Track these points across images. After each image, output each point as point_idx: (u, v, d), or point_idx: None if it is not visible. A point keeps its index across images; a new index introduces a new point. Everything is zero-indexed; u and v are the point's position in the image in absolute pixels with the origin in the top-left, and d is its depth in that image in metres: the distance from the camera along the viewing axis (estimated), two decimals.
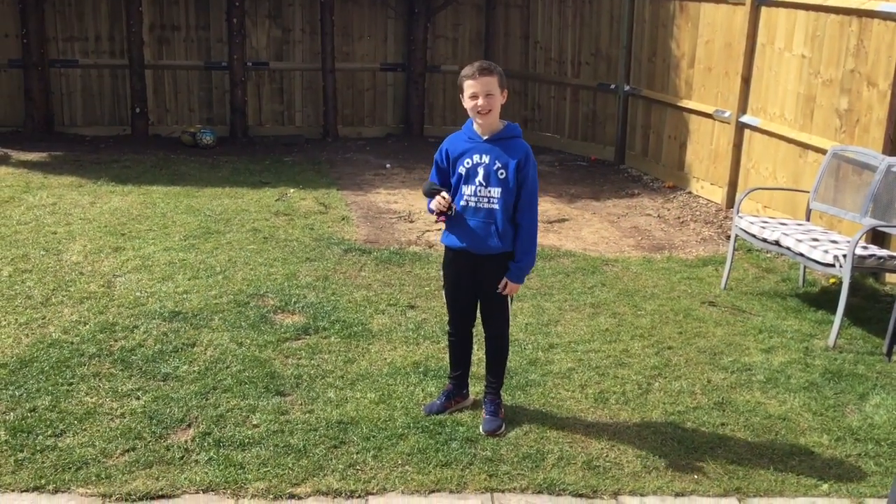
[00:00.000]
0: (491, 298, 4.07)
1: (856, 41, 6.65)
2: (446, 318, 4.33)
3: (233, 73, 10.93)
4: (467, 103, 3.92)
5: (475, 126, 3.98)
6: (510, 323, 4.22)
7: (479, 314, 4.21)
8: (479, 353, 4.45)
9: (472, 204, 3.94)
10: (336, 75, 11.23)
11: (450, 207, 3.95)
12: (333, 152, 10.56)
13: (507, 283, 4.01)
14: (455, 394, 4.27)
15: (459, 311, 4.20)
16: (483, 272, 4.03)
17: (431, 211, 4.05)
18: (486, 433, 4.05)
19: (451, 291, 4.19)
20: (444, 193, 3.95)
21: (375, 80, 11.60)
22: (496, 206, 3.92)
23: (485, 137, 3.95)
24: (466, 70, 3.94)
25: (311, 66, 11.28)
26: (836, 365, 5.01)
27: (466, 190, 3.94)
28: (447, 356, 4.46)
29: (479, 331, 4.27)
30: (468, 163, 3.94)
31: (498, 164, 3.90)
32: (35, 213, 7.31)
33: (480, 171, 3.92)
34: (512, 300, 4.14)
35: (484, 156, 3.92)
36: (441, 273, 4.34)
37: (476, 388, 4.43)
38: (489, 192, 3.91)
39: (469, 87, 3.89)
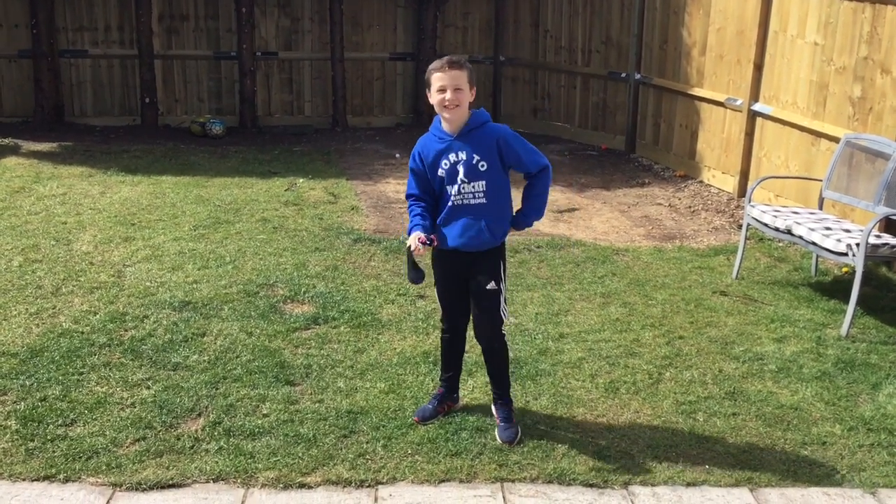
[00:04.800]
0: (482, 296, 3.93)
1: (869, 28, 6.58)
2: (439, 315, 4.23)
3: (242, 63, 10.91)
4: (434, 98, 3.77)
5: (443, 124, 3.85)
6: (504, 322, 4.01)
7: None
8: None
9: (457, 202, 3.84)
10: (345, 65, 11.20)
11: (430, 241, 3.87)
12: (342, 142, 10.55)
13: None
14: (446, 398, 4.16)
15: (452, 306, 4.08)
16: (472, 268, 3.93)
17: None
18: (503, 442, 3.93)
19: (442, 289, 4.08)
20: (420, 238, 3.82)
21: (385, 70, 11.57)
22: (484, 201, 3.82)
23: (455, 134, 3.82)
24: (434, 64, 3.80)
25: (320, 55, 11.25)
26: (848, 354, 4.98)
27: (452, 190, 3.84)
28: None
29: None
30: (446, 163, 3.82)
31: (476, 157, 3.79)
32: (45, 203, 7.32)
33: (461, 168, 3.80)
34: (503, 295, 3.96)
35: (460, 153, 3.80)
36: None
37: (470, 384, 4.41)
38: (473, 186, 3.81)
39: (437, 80, 3.75)
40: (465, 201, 3.84)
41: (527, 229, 4.10)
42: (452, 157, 3.82)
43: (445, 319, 4.14)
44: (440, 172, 3.84)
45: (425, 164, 3.89)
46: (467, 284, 4.01)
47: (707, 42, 8.72)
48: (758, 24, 7.84)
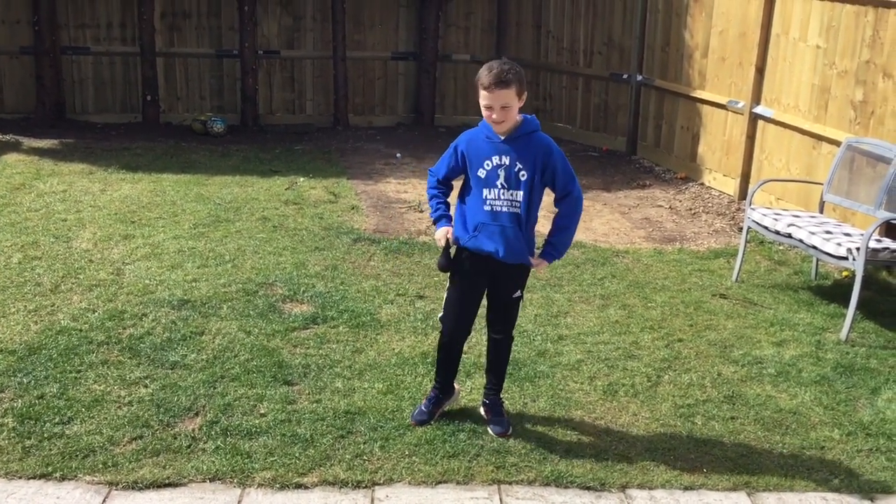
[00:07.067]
0: (505, 303, 3.96)
1: (871, 32, 6.57)
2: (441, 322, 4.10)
3: (244, 61, 10.91)
4: (483, 109, 3.73)
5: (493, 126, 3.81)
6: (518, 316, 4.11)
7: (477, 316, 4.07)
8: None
9: (496, 208, 3.78)
10: (347, 64, 11.19)
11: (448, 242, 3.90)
12: (344, 141, 10.54)
13: (540, 263, 3.86)
14: (441, 399, 4.11)
15: (464, 316, 3.99)
16: (501, 277, 3.90)
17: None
18: (497, 435, 3.96)
19: (460, 295, 3.95)
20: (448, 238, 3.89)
21: (386, 69, 11.56)
22: (520, 211, 3.77)
23: (503, 137, 3.77)
24: (484, 76, 3.65)
25: (322, 54, 11.24)
26: (848, 359, 4.97)
27: (488, 194, 3.77)
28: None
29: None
30: (488, 164, 3.76)
31: (519, 166, 3.73)
32: (45, 199, 7.32)
33: (501, 173, 3.74)
34: (523, 299, 4.02)
35: (504, 157, 3.74)
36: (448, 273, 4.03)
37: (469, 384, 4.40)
38: (512, 195, 3.75)
39: (483, 98, 3.69)
40: (500, 208, 3.77)
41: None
42: (496, 159, 3.76)
43: (453, 328, 4.01)
44: (480, 173, 3.78)
45: (466, 161, 3.83)
46: (485, 290, 3.98)
47: (709, 44, 8.71)
48: (760, 26, 7.83)
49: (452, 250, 3.96)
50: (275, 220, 7.02)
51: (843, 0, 6.86)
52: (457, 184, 4.02)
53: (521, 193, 3.76)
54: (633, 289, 5.93)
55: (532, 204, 3.81)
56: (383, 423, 4.04)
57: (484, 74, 3.68)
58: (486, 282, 3.95)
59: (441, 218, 3.94)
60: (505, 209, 3.78)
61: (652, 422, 4.20)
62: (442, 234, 3.91)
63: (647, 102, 9.89)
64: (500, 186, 3.76)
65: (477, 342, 4.83)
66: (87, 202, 7.31)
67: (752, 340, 5.18)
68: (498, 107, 3.67)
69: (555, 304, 5.58)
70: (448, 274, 3.99)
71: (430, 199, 4.01)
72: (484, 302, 4.06)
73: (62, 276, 5.60)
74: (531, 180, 3.76)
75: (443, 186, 4.00)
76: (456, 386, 4.22)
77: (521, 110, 3.84)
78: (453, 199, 4.02)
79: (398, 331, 5.06)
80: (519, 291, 3.95)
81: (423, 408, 4.09)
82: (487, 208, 3.79)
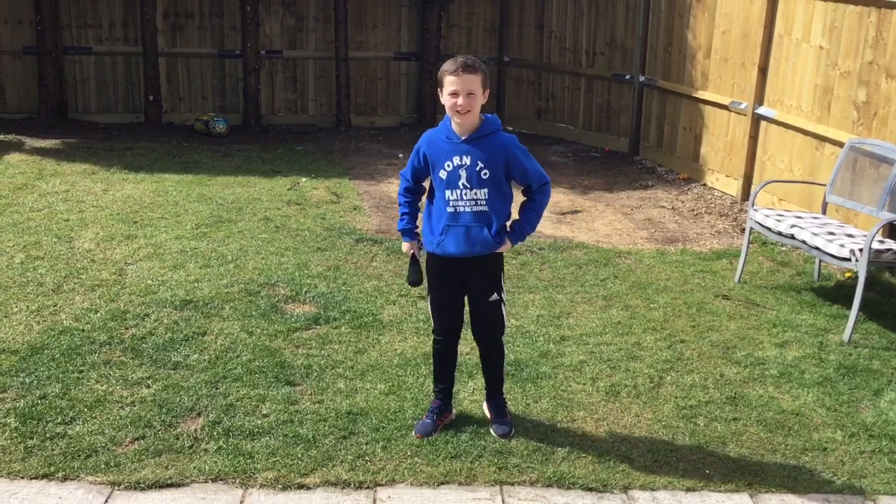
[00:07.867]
0: (481, 305, 3.93)
1: (874, 32, 6.56)
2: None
3: (246, 62, 10.91)
4: (446, 101, 3.70)
5: (453, 125, 3.78)
6: (505, 328, 4.04)
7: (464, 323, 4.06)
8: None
9: (459, 209, 3.77)
10: (349, 64, 11.20)
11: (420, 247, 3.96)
12: (346, 142, 10.54)
13: (505, 245, 3.85)
14: (443, 409, 4.07)
15: (447, 316, 3.99)
16: (471, 279, 3.89)
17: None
18: (499, 436, 3.96)
19: (439, 297, 3.97)
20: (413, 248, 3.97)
21: (389, 70, 11.56)
22: (485, 208, 3.76)
23: (463, 137, 3.75)
24: (448, 65, 3.68)
25: (324, 54, 11.25)
26: (850, 360, 4.96)
27: (451, 195, 3.77)
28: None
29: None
30: (448, 166, 3.76)
31: (480, 165, 3.72)
32: (48, 199, 7.32)
33: (462, 173, 3.73)
34: (504, 304, 3.97)
35: (464, 157, 3.74)
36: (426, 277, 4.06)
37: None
38: (475, 193, 3.75)
39: (450, 83, 3.67)
40: (466, 208, 3.77)
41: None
42: (457, 160, 3.76)
43: (440, 330, 4.05)
44: (441, 174, 3.78)
45: (428, 162, 3.84)
46: (464, 292, 3.97)
47: (712, 45, 8.70)
48: (763, 27, 7.82)
49: (422, 261, 3.98)
50: (277, 221, 7.02)
51: (846, 1, 6.85)
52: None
53: (485, 191, 3.76)
54: (636, 290, 5.93)
55: (497, 200, 3.79)
56: (385, 423, 4.04)
57: (449, 63, 3.72)
58: (459, 280, 3.94)
59: (406, 232, 3.97)
60: (468, 209, 3.77)
61: (654, 423, 4.19)
62: (406, 248, 3.98)
63: (650, 103, 9.88)
64: (462, 187, 3.76)
65: None
66: (89, 202, 7.31)
67: (754, 342, 5.17)
68: (464, 92, 3.65)
69: (557, 304, 5.57)
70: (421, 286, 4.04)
71: (399, 205, 4.01)
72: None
73: (64, 277, 5.60)
74: (495, 178, 3.76)
75: (410, 195, 3.99)
76: (453, 412, 4.16)
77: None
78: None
79: (400, 331, 5.05)
80: (495, 294, 3.92)
81: (427, 420, 4.03)
82: (450, 209, 3.79)
